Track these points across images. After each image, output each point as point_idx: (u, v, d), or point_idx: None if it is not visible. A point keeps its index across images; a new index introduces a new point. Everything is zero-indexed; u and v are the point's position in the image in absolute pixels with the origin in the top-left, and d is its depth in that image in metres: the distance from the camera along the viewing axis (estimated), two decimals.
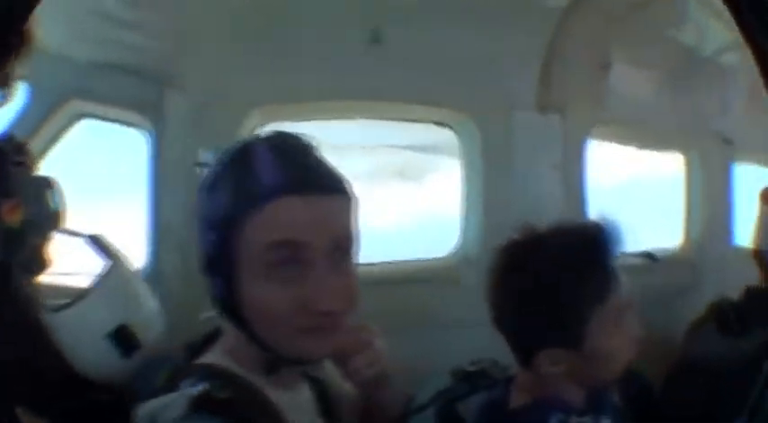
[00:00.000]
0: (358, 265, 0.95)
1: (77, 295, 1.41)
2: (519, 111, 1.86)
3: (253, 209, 0.87)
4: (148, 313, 1.48)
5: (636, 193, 2.23)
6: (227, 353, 0.98)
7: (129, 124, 1.77)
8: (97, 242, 1.46)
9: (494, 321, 1.22)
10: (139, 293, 1.48)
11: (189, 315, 1.27)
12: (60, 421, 1.14)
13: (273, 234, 0.87)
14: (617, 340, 1.17)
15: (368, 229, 1.73)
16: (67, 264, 1.51)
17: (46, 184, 1.47)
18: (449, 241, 1.91)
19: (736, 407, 1.07)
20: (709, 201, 2.33)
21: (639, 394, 1.47)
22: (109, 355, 1.39)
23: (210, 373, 0.93)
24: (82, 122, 1.78)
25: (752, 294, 1.90)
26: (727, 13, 0.82)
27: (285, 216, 0.87)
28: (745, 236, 2.13)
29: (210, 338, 1.02)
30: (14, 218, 1.25)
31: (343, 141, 1.72)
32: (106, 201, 1.77)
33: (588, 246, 1.15)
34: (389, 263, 1.83)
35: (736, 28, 0.75)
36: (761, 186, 2.10)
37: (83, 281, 1.47)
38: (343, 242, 0.92)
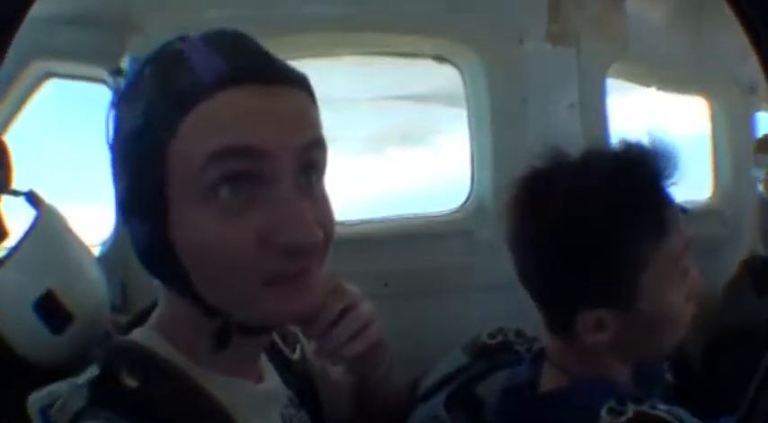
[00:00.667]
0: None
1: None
2: (529, 43, 1.68)
3: (184, 110, 0.64)
4: (86, 281, 1.30)
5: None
6: (157, 329, 0.75)
7: (95, 80, 1.65)
8: (32, 198, 1.31)
9: (519, 276, 1.00)
10: (73, 255, 1.30)
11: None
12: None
13: (216, 139, 0.64)
14: (677, 295, 0.94)
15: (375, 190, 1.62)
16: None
17: None
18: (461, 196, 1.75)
19: None
20: (735, 150, 2.20)
21: (681, 363, 1.29)
22: (40, 331, 1.21)
23: (121, 352, 0.72)
24: (49, 82, 1.70)
25: None
26: None
27: (229, 113, 0.64)
28: None
29: (149, 311, 0.79)
30: None
31: (339, 94, 1.57)
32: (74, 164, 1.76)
33: (638, 166, 0.91)
34: (397, 219, 1.68)
35: None
36: None
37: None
38: (311, 152, 0.68)
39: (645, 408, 0.87)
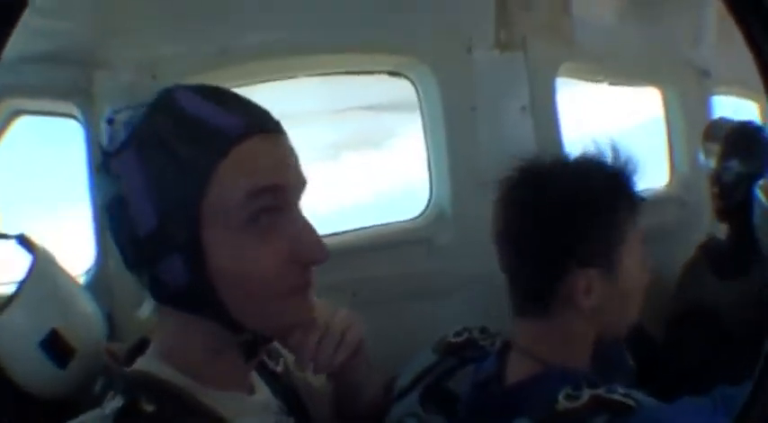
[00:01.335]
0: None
1: (3, 303, 1.29)
2: (478, 51, 1.73)
3: (220, 157, 0.74)
4: (83, 316, 1.36)
5: (614, 133, 2.16)
6: (160, 357, 0.84)
7: (65, 115, 1.68)
8: (24, 242, 1.35)
9: (504, 262, 1.10)
10: (69, 293, 1.36)
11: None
12: None
13: (251, 181, 0.75)
14: (642, 274, 1.07)
15: (338, 199, 1.66)
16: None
17: None
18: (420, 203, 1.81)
19: (740, 354, 0.92)
20: (691, 135, 2.21)
21: (641, 345, 1.32)
22: (46, 367, 1.27)
23: (138, 382, 0.80)
24: (19, 120, 1.71)
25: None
26: None
27: (258, 159, 0.76)
28: None
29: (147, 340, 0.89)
30: None
31: (295, 108, 1.62)
32: (50, 198, 1.74)
33: (611, 170, 1.05)
34: (358, 230, 1.74)
35: None
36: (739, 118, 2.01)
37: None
38: (305, 185, 0.82)
39: (600, 391, 0.94)
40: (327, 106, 1.81)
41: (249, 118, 0.78)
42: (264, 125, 0.78)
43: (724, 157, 1.77)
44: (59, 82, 1.62)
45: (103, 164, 0.78)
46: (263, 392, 0.94)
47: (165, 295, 0.80)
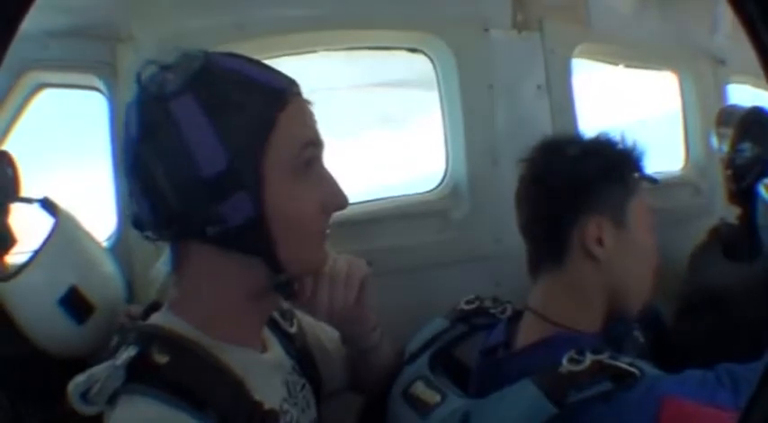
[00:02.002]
0: None
1: (25, 261, 1.32)
2: (495, 31, 1.75)
3: (279, 109, 0.83)
4: (102, 274, 1.39)
5: (630, 116, 2.17)
6: (174, 311, 0.88)
7: (88, 88, 1.70)
8: (47, 204, 1.38)
9: (525, 221, 1.18)
10: (90, 253, 1.39)
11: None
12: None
13: (305, 132, 0.86)
14: (650, 244, 1.14)
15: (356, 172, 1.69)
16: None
17: (1, 158, 1.42)
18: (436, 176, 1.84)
19: (749, 336, 0.98)
20: (706, 122, 2.19)
21: (653, 326, 1.39)
22: (65, 324, 1.30)
23: (148, 336, 0.84)
24: (43, 92, 1.74)
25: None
26: None
27: (306, 115, 0.88)
28: None
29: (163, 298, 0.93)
30: None
31: (316, 83, 1.65)
32: (74, 169, 1.78)
33: (621, 143, 1.16)
34: (374, 201, 1.77)
35: None
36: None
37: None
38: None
39: (602, 357, 0.96)
40: (347, 82, 1.84)
41: (289, 81, 0.87)
42: (298, 86, 0.88)
43: (737, 140, 1.77)
44: (83, 56, 1.65)
45: (153, 108, 0.80)
46: (276, 352, 0.98)
47: (220, 234, 0.82)
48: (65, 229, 1.36)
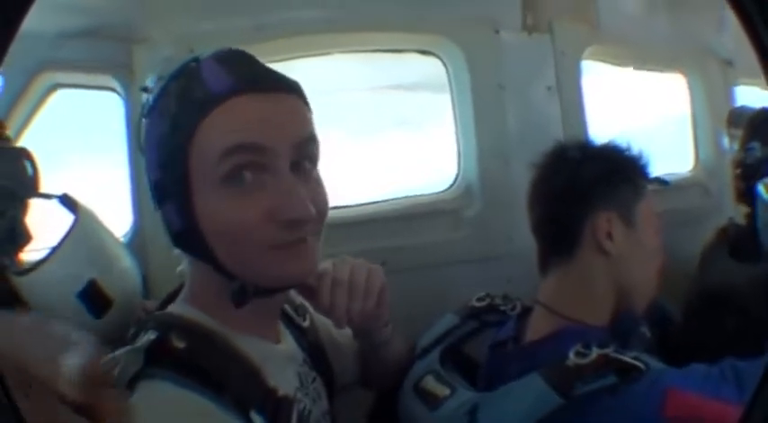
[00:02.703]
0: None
1: (45, 256, 1.34)
2: (505, 32, 1.77)
3: (201, 116, 0.79)
4: (120, 269, 1.40)
5: (639, 118, 2.17)
6: (189, 301, 0.90)
7: (103, 88, 1.72)
8: (66, 200, 1.38)
9: (536, 221, 1.23)
10: (109, 248, 1.41)
11: (172, 276, 1.20)
12: None
13: (227, 138, 0.79)
14: (656, 246, 1.19)
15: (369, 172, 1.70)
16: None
17: (21, 155, 1.40)
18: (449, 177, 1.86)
19: (754, 334, 1.02)
20: (715, 123, 2.23)
21: (662, 324, 1.41)
22: (82, 317, 1.32)
23: (166, 323, 0.85)
24: (57, 93, 1.73)
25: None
26: None
27: (237, 118, 0.80)
28: None
29: (179, 292, 0.94)
30: None
31: (332, 86, 1.67)
32: (89, 168, 1.76)
33: (629, 149, 1.22)
34: (388, 201, 1.79)
35: None
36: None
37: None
38: (305, 146, 0.83)
39: (608, 351, 0.99)
40: (361, 84, 1.85)
41: (243, 77, 0.81)
42: (258, 84, 0.82)
43: (747, 140, 1.79)
44: (99, 56, 1.66)
45: (140, 121, 0.86)
46: (290, 344, 1.00)
47: (170, 237, 0.87)
48: (84, 224, 1.37)
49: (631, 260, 1.16)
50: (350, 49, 1.76)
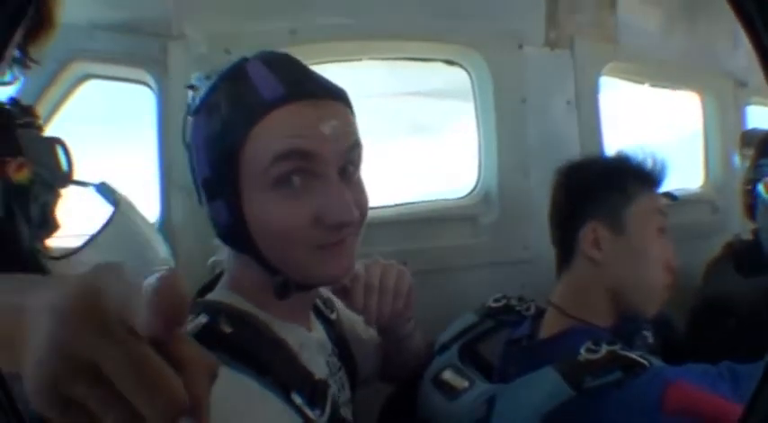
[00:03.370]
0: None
1: (83, 243, 1.39)
2: (528, 47, 1.82)
3: (254, 122, 0.84)
4: (156, 257, 1.45)
5: (653, 134, 2.23)
6: (231, 289, 0.95)
7: (135, 82, 1.75)
8: (104, 189, 1.43)
9: (551, 221, 1.33)
10: (146, 238, 1.45)
11: (199, 265, 1.25)
12: None
13: (279, 145, 0.84)
14: (656, 247, 1.23)
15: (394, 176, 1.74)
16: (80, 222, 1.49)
17: (55, 143, 1.38)
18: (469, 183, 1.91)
19: (756, 343, 0.99)
20: (726, 142, 2.31)
21: (666, 334, 1.44)
22: None
23: (213, 308, 0.90)
24: (87, 83, 1.76)
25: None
26: None
27: (289, 125, 0.84)
28: None
29: (216, 281, 1.00)
30: (22, 176, 1.18)
31: (358, 91, 1.71)
32: (116, 158, 1.77)
33: (625, 155, 1.29)
34: (410, 204, 1.84)
35: None
36: None
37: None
38: (351, 152, 0.88)
39: (616, 348, 1.06)
40: (390, 90, 1.90)
41: (294, 84, 0.86)
42: (309, 92, 0.86)
43: (758, 157, 1.85)
44: (134, 50, 1.69)
45: (183, 125, 0.92)
46: (320, 334, 1.05)
47: (216, 231, 0.93)
48: (123, 211, 1.40)
49: (623, 266, 1.22)
50: (380, 57, 1.81)
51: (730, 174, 2.28)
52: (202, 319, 0.86)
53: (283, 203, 0.86)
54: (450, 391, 1.17)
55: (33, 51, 1.22)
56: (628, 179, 1.25)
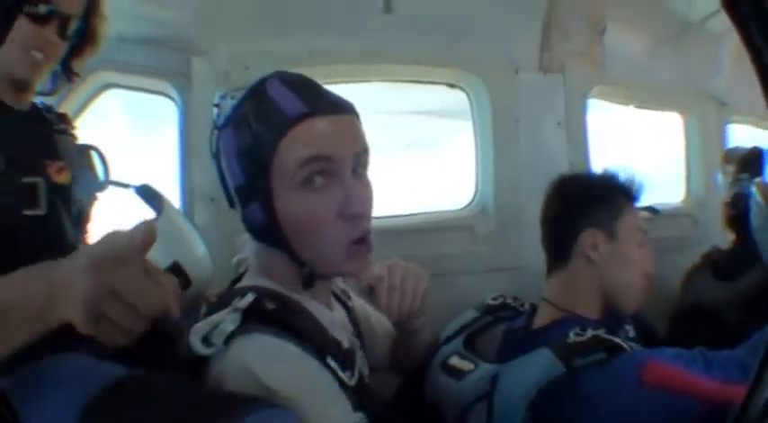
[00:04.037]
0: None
1: None
2: (524, 72, 1.96)
3: (281, 135, 0.98)
4: (198, 255, 1.48)
5: (637, 152, 2.35)
6: (262, 274, 1.08)
7: (157, 93, 1.83)
8: (146, 191, 1.48)
9: (545, 226, 1.48)
10: (189, 236, 1.49)
11: (221, 264, 1.35)
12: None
13: (304, 152, 0.98)
14: (639, 255, 1.41)
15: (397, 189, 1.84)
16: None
17: (90, 149, 1.48)
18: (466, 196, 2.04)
19: (732, 342, 1.18)
20: (707, 159, 2.44)
21: (645, 338, 1.57)
22: None
23: (257, 289, 1.03)
24: (108, 92, 1.81)
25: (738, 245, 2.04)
26: None
27: (311, 135, 0.99)
28: None
29: (240, 278, 1.14)
30: (63, 177, 1.29)
31: (366, 108, 1.82)
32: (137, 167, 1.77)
33: (615, 173, 1.45)
34: (412, 215, 1.96)
35: None
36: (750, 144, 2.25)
37: None
38: (362, 156, 1.03)
39: (599, 333, 1.23)
40: (395, 108, 2.03)
41: (312, 102, 1.00)
42: (325, 108, 1.01)
43: (738, 172, 2.01)
44: (158, 63, 1.79)
45: (210, 139, 1.07)
46: (341, 315, 1.20)
47: (251, 230, 1.07)
48: (168, 211, 1.46)
49: (614, 268, 1.39)
50: (388, 79, 1.95)
51: (710, 189, 2.42)
52: (250, 297, 0.99)
53: (309, 200, 1.00)
54: (457, 373, 1.33)
55: (76, 65, 1.34)
56: (618, 195, 1.43)
